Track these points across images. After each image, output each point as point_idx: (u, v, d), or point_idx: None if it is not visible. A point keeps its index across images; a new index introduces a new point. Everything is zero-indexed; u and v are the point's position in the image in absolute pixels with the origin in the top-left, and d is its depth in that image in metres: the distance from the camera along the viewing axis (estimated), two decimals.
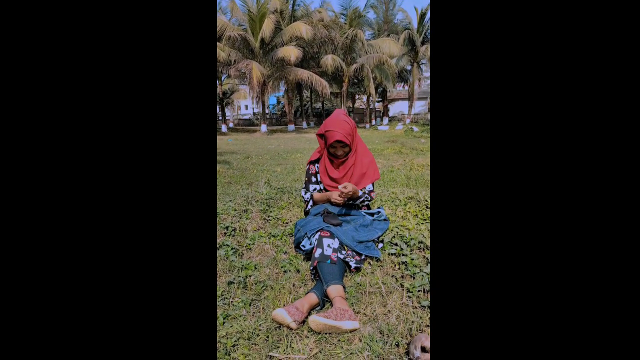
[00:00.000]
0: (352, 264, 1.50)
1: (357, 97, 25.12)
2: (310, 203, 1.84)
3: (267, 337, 1.16)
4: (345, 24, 17.43)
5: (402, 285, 1.42)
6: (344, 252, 1.50)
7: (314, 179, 1.86)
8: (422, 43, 19.17)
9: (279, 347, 1.11)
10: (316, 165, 1.87)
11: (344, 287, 1.35)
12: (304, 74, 14.57)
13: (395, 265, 1.58)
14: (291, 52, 13.49)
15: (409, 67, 20.40)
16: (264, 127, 15.45)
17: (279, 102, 30.99)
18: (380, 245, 1.70)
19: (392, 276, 1.50)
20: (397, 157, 6.35)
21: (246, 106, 34.73)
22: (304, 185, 1.90)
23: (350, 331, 1.16)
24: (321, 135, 1.78)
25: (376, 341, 1.11)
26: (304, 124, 20.69)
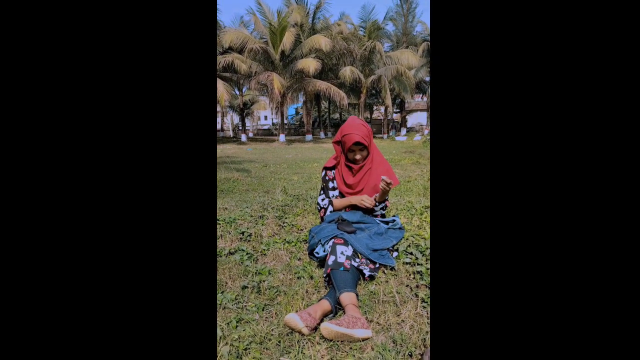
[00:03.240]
0: (366, 272, 1.48)
1: (374, 108, 25.14)
2: (330, 209, 1.84)
3: (279, 342, 1.15)
4: (364, 36, 17.61)
5: (416, 295, 1.39)
6: (357, 260, 1.49)
7: (331, 185, 1.87)
8: None
9: (290, 352, 1.11)
10: (332, 171, 1.88)
11: (357, 295, 1.34)
12: (322, 85, 14.75)
13: (410, 275, 1.55)
14: (310, 64, 13.71)
15: (427, 79, 20.30)
16: (282, 137, 15.65)
17: (297, 113, 31.39)
18: (395, 254, 1.68)
19: (407, 285, 1.48)
20: (415, 167, 6.28)
21: (265, 117, 35.37)
22: (320, 192, 1.91)
23: (363, 340, 1.14)
24: (337, 143, 1.80)
25: (389, 350, 1.09)
26: (322, 134, 20.82)
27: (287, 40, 14.42)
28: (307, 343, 1.15)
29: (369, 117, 23.47)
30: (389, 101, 16.96)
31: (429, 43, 18.30)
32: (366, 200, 1.71)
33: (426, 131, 19.58)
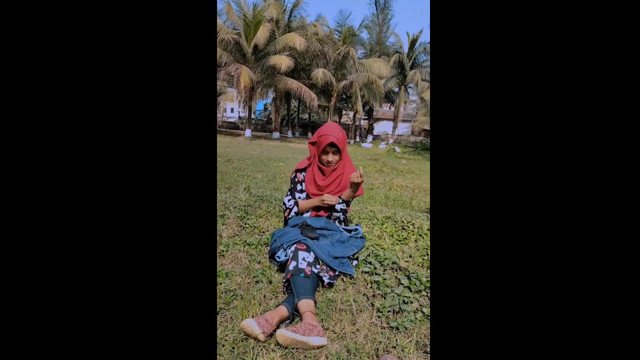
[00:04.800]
0: (326, 280, 1.50)
1: (344, 112, 25.48)
2: (295, 209, 1.84)
3: (233, 348, 1.13)
4: (339, 40, 17.80)
5: (372, 305, 1.43)
6: (318, 266, 1.50)
7: (299, 187, 1.87)
8: (411, 68, 19.81)
9: (244, 359, 1.09)
10: (303, 173, 1.88)
11: (315, 303, 1.35)
12: (293, 84, 14.69)
13: (367, 284, 1.59)
14: (283, 61, 13.59)
15: (396, 89, 20.97)
16: (248, 132, 15.36)
17: (266, 109, 30.97)
18: (355, 262, 1.72)
19: (364, 294, 1.51)
20: (378, 175, 6.45)
21: (232, 109, 34.47)
22: (288, 193, 1.91)
23: (318, 347, 1.15)
24: (313, 144, 1.81)
25: (343, 359, 1.11)
26: (289, 133, 20.71)
27: (262, 34, 14.19)
28: (262, 350, 1.14)
29: (337, 120, 23.73)
30: (359, 107, 17.28)
31: (413, 66, 18.94)
32: (327, 199, 1.73)
33: (391, 140, 20.20)
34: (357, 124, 21.79)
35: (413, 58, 19.88)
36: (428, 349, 1.17)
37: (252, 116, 18.08)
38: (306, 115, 25.99)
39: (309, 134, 21.74)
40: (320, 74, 15.31)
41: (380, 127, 29.18)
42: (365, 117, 24.28)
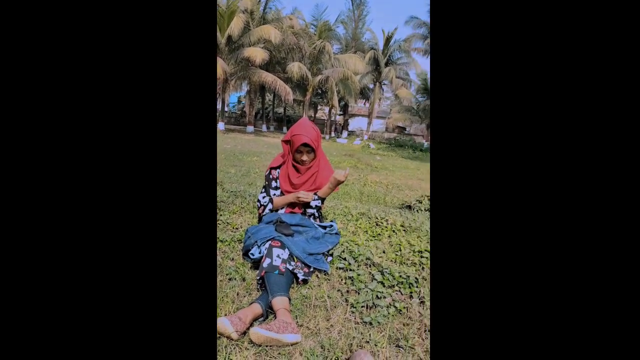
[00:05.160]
0: (300, 276, 1.49)
1: (319, 107, 25.47)
2: (269, 207, 1.82)
3: None
4: (314, 34, 17.70)
5: (346, 300, 1.44)
6: (292, 263, 1.49)
7: (273, 184, 1.85)
8: (386, 64, 20.07)
9: (216, 358, 1.07)
10: (277, 170, 1.86)
11: (289, 300, 1.34)
12: (268, 77, 14.47)
13: (342, 280, 1.61)
14: (257, 54, 13.35)
15: (371, 86, 21.19)
16: (221, 125, 15.01)
17: (239, 102, 30.35)
18: (330, 258, 1.72)
19: (338, 290, 1.52)
20: (353, 171, 6.51)
21: None
22: (262, 190, 1.88)
23: (292, 344, 1.15)
24: (286, 142, 1.79)
25: (317, 356, 1.11)
26: (264, 127, 20.45)
27: (235, 25, 13.84)
28: (234, 348, 1.12)
29: (312, 115, 23.72)
30: (335, 102, 17.31)
31: (388, 63, 19.12)
32: (302, 196, 1.73)
33: (366, 136, 20.44)
34: (332, 119, 21.84)
35: (388, 55, 20.14)
36: (400, 343, 1.19)
37: (226, 109, 17.67)
38: (281, 109, 25.76)
39: (284, 129, 21.54)
40: (295, 67, 15.18)
41: (355, 123, 29.45)
42: (341, 113, 24.41)
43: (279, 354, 1.11)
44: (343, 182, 1.75)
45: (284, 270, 1.41)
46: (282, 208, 1.81)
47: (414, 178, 6.46)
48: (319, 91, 19.67)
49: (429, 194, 3.75)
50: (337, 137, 19.50)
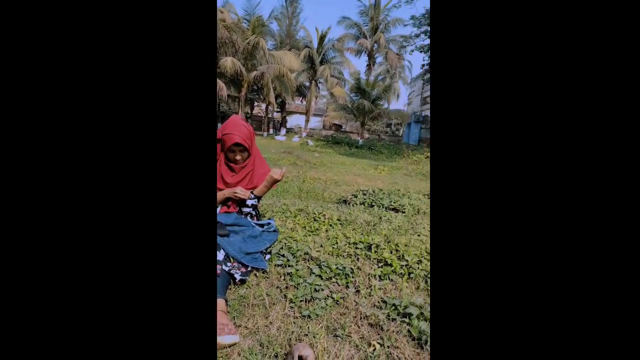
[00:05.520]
0: (238, 277, 1.47)
1: (255, 104, 24.96)
2: None
3: None
4: (247, 29, 17.27)
5: (285, 296, 1.45)
6: (229, 264, 1.46)
7: None
8: (321, 63, 20.40)
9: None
10: None
11: (226, 301, 1.31)
12: None
13: (280, 277, 1.61)
14: None
15: (307, 84, 21.38)
16: None
17: None
18: (268, 256, 1.72)
19: (277, 287, 1.53)
20: (292, 168, 6.53)
21: None
22: None
23: (230, 346, 1.13)
24: (218, 140, 1.73)
25: (255, 354, 1.11)
26: None
27: None
28: None
29: (249, 112, 23.14)
30: (272, 99, 17.10)
31: (323, 61, 19.31)
32: (239, 192, 1.70)
33: (304, 133, 20.59)
34: (270, 116, 21.59)
35: (322, 54, 20.48)
36: (337, 333, 1.24)
37: None
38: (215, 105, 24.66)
39: (218, 125, 20.72)
40: (228, 62, 14.66)
41: (293, 120, 29.48)
42: (278, 110, 24.24)
43: (218, 356, 1.09)
44: (280, 180, 1.75)
45: (219, 272, 1.38)
46: (219, 206, 1.76)
47: (351, 174, 6.70)
48: (255, 87, 19.26)
49: (364, 188, 3.92)
50: (276, 135, 19.35)
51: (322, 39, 20.33)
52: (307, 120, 21.82)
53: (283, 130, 21.53)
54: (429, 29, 18.09)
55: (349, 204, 3.33)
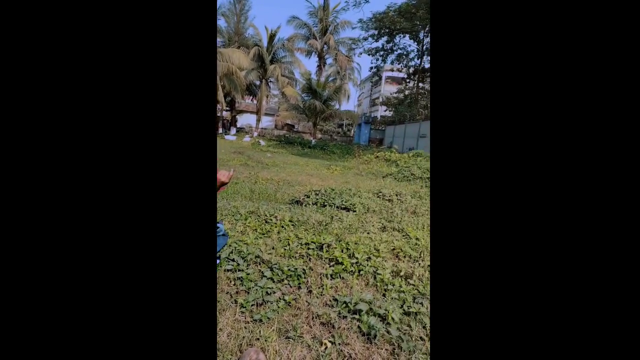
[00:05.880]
0: None
1: None
2: None
3: None
4: None
5: (236, 302, 1.42)
6: None
7: None
8: (271, 62, 20.20)
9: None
10: None
11: None
12: None
13: (230, 282, 1.57)
14: None
15: (257, 83, 21.04)
16: None
17: None
18: (217, 261, 1.67)
19: (227, 293, 1.49)
20: (243, 169, 6.39)
21: None
22: None
23: None
24: None
25: None
26: None
27: None
28: None
29: None
30: (221, 97, 16.55)
31: (273, 60, 19.00)
32: None
33: (255, 133, 20.23)
34: (219, 115, 20.88)
35: (272, 53, 20.28)
36: (289, 334, 1.24)
37: None
38: None
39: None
40: None
41: (243, 120, 28.80)
42: (228, 109, 23.54)
43: None
44: (227, 183, 1.71)
45: None
46: None
47: (304, 174, 6.73)
48: None
49: (316, 188, 3.96)
50: (225, 134, 18.77)
51: (272, 37, 20.13)
52: (258, 120, 21.47)
53: (233, 130, 20.97)
54: (376, 32, 18.78)
55: (301, 204, 3.34)
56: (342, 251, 1.88)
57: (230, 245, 1.80)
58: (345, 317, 1.36)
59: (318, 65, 21.99)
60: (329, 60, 22.18)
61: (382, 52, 19.22)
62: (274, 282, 1.57)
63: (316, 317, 1.35)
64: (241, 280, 1.56)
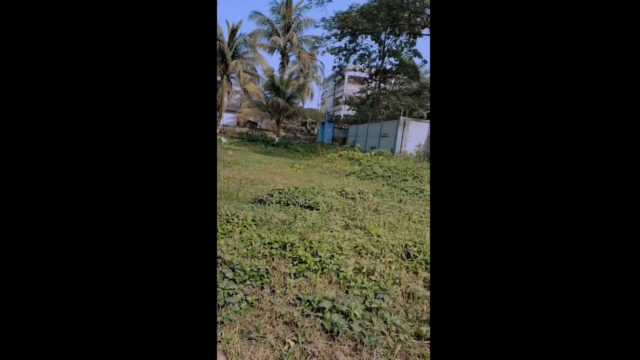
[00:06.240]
0: None
1: None
2: None
3: None
4: None
5: None
6: None
7: None
8: (233, 57, 19.71)
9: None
10: None
11: None
12: None
13: None
14: None
15: (219, 78, 20.44)
16: None
17: None
18: None
19: None
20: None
21: None
22: None
23: None
24: None
25: None
26: None
27: None
28: None
29: None
30: None
31: (235, 56, 18.48)
32: None
33: (217, 130, 19.66)
34: None
35: (234, 48, 19.80)
36: (252, 335, 1.23)
37: None
38: None
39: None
40: None
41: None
42: None
43: None
44: None
45: None
46: None
47: (267, 172, 6.65)
48: None
49: (280, 187, 3.94)
50: None
51: (233, 32, 19.64)
52: (219, 117, 20.88)
53: None
54: (339, 31, 18.97)
55: (264, 203, 3.30)
56: (305, 250, 1.88)
57: None
58: (308, 315, 1.37)
59: (281, 63, 21.81)
60: (292, 58, 22.07)
61: (344, 52, 19.45)
62: (236, 283, 1.54)
63: (279, 317, 1.35)
64: None
